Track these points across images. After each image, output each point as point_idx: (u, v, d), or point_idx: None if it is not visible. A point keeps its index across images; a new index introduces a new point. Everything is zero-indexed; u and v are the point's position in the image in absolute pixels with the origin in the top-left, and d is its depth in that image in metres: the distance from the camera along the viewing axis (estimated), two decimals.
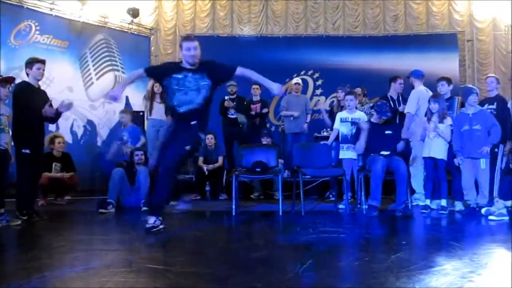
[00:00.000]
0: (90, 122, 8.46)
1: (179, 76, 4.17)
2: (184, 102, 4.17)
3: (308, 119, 7.66)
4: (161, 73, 4.36)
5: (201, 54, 4.20)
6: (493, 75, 6.46)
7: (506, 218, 4.71)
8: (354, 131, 5.74)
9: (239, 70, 4.34)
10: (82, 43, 8.41)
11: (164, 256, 3.16)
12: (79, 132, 8.31)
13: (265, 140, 6.96)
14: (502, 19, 9.82)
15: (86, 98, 8.45)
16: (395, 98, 6.39)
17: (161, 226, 3.97)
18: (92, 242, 3.70)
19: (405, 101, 6.24)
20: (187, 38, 4.31)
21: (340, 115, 6.09)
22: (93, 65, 8.58)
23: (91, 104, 8.52)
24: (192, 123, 4.22)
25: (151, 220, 3.98)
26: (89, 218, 5.24)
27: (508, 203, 4.80)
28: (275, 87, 4.41)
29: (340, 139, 5.99)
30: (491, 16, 10.00)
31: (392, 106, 6.20)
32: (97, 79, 8.63)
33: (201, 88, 4.19)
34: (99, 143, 8.59)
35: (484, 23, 10.14)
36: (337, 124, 6.06)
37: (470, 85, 7.04)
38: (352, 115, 5.96)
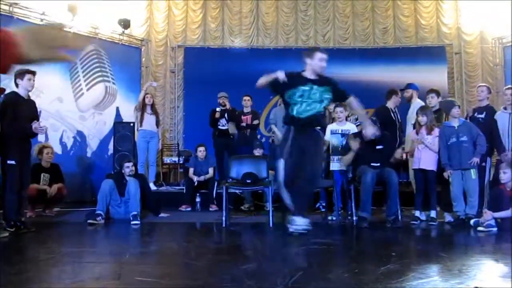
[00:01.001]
0: (79, 133, 8.42)
1: (306, 88, 4.43)
2: (306, 111, 4.45)
3: None
4: (287, 87, 4.50)
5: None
6: (484, 84, 6.52)
7: (495, 229, 4.75)
8: (344, 142, 5.78)
9: (350, 99, 4.72)
10: (72, 54, 8.34)
11: (153, 268, 3.13)
12: (69, 143, 8.26)
13: (257, 152, 6.96)
14: (489, 32, 9.96)
15: (76, 109, 8.40)
16: (394, 110, 6.42)
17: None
18: (81, 254, 3.66)
19: (399, 113, 6.33)
20: (320, 49, 4.64)
21: (330, 127, 6.12)
22: (84, 76, 8.56)
23: (81, 115, 8.48)
24: (317, 129, 4.57)
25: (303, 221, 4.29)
26: (78, 230, 5.18)
27: (496, 214, 4.83)
28: (368, 129, 4.80)
29: (330, 150, 6.01)
30: (479, 29, 10.15)
31: (394, 118, 6.26)
32: (87, 90, 8.60)
33: (324, 100, 4.51)
34: (89, 154, 8.55)
35: (471, 36, 10.28)
36: (327, 136, 6.09)
37: (450, 98, 7.14)
38: (342, 127, 5.99)
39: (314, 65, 4.46)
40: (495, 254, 3.77)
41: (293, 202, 4.48)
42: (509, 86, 6.05)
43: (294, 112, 4.46)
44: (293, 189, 4.41)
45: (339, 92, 4.65)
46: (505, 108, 5.81)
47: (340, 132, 5.96)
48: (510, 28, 8.59)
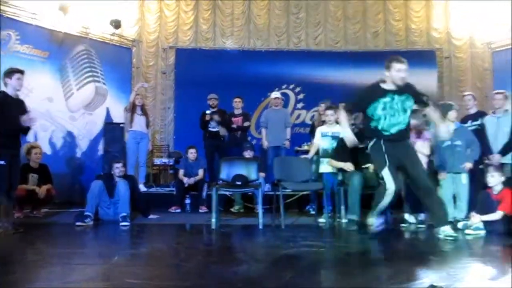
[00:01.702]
0: (69, 133, 8.35)
1: (386, 99, 4.30)
2: (393, 124, 4.31)
3: (288, 133, 7.69)
4: (367, 102, 4.40)
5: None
6: (469, 92, 6.62)
7: (483, 232, 4.79)
8: (334, 145, 5.80)
9: (428, 110, 4.60)
10: (63, 54, 8.34)
11: (143, 270, 3.12)
12: (58, 143, 8.19)
13: (248, 154, 6.96)
14: (478, 38, 10.06)
15: (66, 109, 8.34)
16: None
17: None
18: (69, 256, 3.64)
19: None
20: (399, 60, 4.39)
21: (320, 129, 6.14)
22: (74, 76, 8.51)
23: (71, 115, 8.41)
24: (407, 141, 4.47)
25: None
26: (67, 231, 5.15)
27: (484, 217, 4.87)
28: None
29: (320, 153, 6.03)
30: (468, 34, 10.24)
31: None
32: (78, 90, 8.55)
33: (407, 109, 4.35)
34: (78, 154, 8.48)
35: (461, 40, 10.37)
36: (317, 139, 6.11)
37: (449, 101, 7.20)
38: (333, 129, 6.01)
39: (392, 76, 4.31)
40: (483, 257, 3.81)
41: (432, 216, 4.53)
42: (498, 90, 6.11)
43: (381, 126, 4.34)
44: (429, 203, 4.42)
45: (419, 95, 4.47)
46: (493, 112, 5.87)
47: (330, 134, 5.98)
48: (510, 31, 8.64)
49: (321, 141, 6.02)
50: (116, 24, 9.19)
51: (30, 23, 7.80)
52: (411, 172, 4.37)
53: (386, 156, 4.27)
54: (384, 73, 4.41)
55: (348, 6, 10.73)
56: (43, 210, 6.41)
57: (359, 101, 4.49)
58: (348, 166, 5.40)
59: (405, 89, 4.34)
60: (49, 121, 8.00)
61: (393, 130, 4.33)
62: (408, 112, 4.35)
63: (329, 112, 6.08)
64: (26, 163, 6.25)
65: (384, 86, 4.38)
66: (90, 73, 8.74)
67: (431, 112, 4.62)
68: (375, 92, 4.39)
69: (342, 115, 4.64)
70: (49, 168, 6.56)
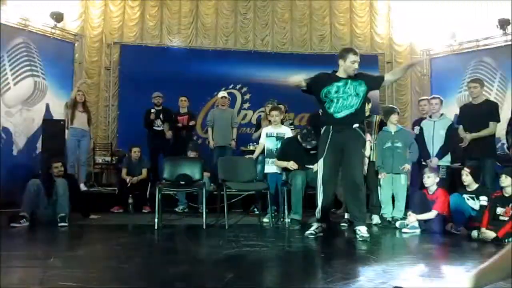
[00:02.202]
0: (5, 130, 7.94)
1: (340, 83, 4.48)
2: (344, 107, 4.46)
3: (235, 133, 7.72)
4: (322, 83, 4.52)
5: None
6: (425, 97, 6.96)
7: (418, 230, 5.02)
8: (279, 145, 5.88)
9: (387, 77, 4.86)
10: None
11: (80, 272, 3.02)
12: None
13: (192, 154, 6.92)
14: (418, 44, 10.49)
15: (1, 103, 7.94)
16: None
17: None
18: (3, 258, 3.46)
19: None
20: (355, 51, 4.54)
21: (265, 130, 6.19)
22: (11, 70, 8.11)
23: (7, 110, 8.01)
24: (354, 126, 4.50)
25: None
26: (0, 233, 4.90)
27: (420, 216, 5.09)
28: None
29: (265, 153, 6.09)
30: (409, 40, 10.66)
31: None
32: (15, 84, 8.15)
33: (360, 93, 4.49)
34: (14, 152, 8.09)
35: (402, 46, 10.77)
36: (262, 139, 6.16)
37: (391, 105, 7.49)
38: (278, 130, 6.08)
39: (347, 67, 4.48)
40: (417, 254, 3.98)
41: (352, 211, 4.67)
42: (434, 95, 6.40)
43: (332, 110, 4.49)
44: (350, 198, 4.61)
45: (374, 79, 4.75)
46: (430, 116, 6.14)
47: (275, 135, 6.05)
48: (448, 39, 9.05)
49: (266, 141, 6.08)
50: (58, 17, 8.85)
51: None
52: (346, 161, 4.51)
53: (327, 146, 4.47)
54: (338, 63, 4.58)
55: (295, 9, 10.87)
56: None
57: (315, 81, 4.58)
58: (291, 165, 5.50)
59: (358, 76, 4.55)
60: None
61: (343, 114, 4.48)
62: (361, 96, 4.50)
63: (275, 112, 6.14)
64: None
65: (338, 74, 4.58)
66: (29, 67, 8.36)
67: (391, 75, 4.98)
68: (330, 76, 4.59)
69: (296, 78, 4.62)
70: None
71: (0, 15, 7.27)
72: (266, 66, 10.15)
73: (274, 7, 10.82)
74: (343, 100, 4.46)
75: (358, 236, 4.40)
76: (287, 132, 6.10)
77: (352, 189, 4.54)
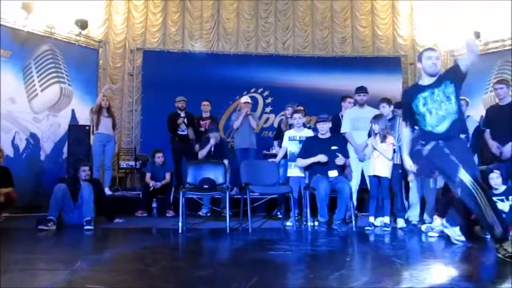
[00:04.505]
0: (33, 135, 8.14)
1: (425, 94, 3.97)
2: (442, 117, 3.91)
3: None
4: (408, 101, 4.09)
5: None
6: (463, 97, 6.82)
7: (445, 234, 4.92)
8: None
9: (460, 62, 3.96)
10: (26, 53, 8.13)
11: (107, 275, 3.06)
12: (21, 145, 7.97)
13: (212, 137, 6.89)
14: (442, 45, 10.33)
15: (29, 110, 8.13)
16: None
17: None
18: (30, 261, 3.54)
19: None
20: (430, 48, 4.19)
21: (288, 133, 6.17)
22: (38, 77, 8.30)
23: (35, 116, 8.20)
24: (462, 136, 4.02)
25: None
26: (28, 236, 5.00)
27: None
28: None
29: (288, 157, 6.07)
30: (432, 42, 10.51)
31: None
32: (42, 91, 8.34)
33: (450, 95, 3.92)
34: (42, 157, 8.27)
35: (425, 47, 10.60)
36: (285, 142, 6.14)
37: None
38: (300, 133, 6.06)
39: (425, 66, 4.01)
40: (444, 259, 3.91)
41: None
42: (460, 97, 6.29)
43: (429, 127, 3.95)
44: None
45: (453, 72, 4.01)
46: None
47: (298, 138, 6.03)
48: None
49: (289, 145, 6.06)
50: (82, 24, 9.02)
51: None
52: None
53: (451, 157, 3.82)
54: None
55: (316, 12, 10.86)
56: (4, 214, 6.22)
57: (403, 105, 4.31)
58: (322, 158, 5.48)
59: (441, 78, 4.02)
60: (12, 123, 7.78)
61: (443, 127, 3.93)
62: (453, 98, 3.94)
63: (297, 115, 6.11)
64: None
65: (420, 83, 4.14)
66: (55, 74, 8.55)
67: (464, 58, 4.00)
68: (412, 89, 4.21)
69: (404, 133, 4.33)
70: (11, 171, 6.36)
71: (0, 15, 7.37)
72: (288, 69, 10.16)
73: (295, 10, 10.83)
74: (436, 111, 3.93)
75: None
76: (309, 135, 6.07)
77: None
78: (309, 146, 5.72)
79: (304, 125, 6.32)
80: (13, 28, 7.91)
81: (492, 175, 4.91)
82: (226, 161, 6.55)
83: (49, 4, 8.40)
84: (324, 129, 5.78)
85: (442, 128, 3.91)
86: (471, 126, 5.71)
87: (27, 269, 3.20)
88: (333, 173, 5.52)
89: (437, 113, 3.92)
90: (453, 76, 3.98)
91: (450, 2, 9.77)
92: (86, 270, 3.20)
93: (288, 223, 5.71)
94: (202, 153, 6.93)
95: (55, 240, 4.90)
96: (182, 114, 7.69)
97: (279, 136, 6.94)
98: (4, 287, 2.65)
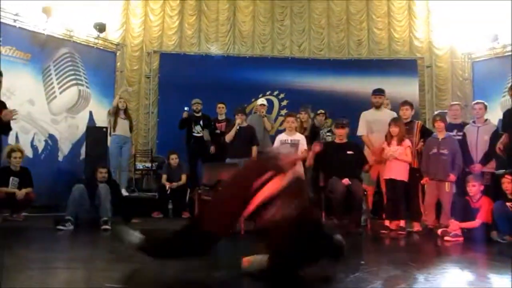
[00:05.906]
0: (51, 137, 8.26)
1: None
2: None
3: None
4: None
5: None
6: (457, 102, 6.80)
7: (461, 238, 4.88)
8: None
9: None
10: (45, 56, 8.26)
11: (124, 274, 3.10)
12: (40, 146, 8.10)
13: (238, 118, 6.78)
14: (459, 48, 10.24)
15: (48, 111, 8.26)
16: None
17: None
18: (49, 260, 3.59)
19: None
20: None
21: (279, 137, 6.15)
22: (57, 79, 8.43)
23: (53, 118, 8.33)
24: None
25: None
26: (46, 236, 5.09)
27: (463, 224, 4.96)
28: None
29: None
30: (449, 44, 10.42)
31: None
32: (60, 93, 8.47)
33: None
34: (60, 158, 8.39)
35: (442, 50, 10.54)
36: (276, 146, 6.12)
37: (440, 110, 7.36)
38: (292, 137, 6.03)
39: None
40: (460, 263, 3.88)
41: None
42: (478, 100, 6.24)
43: None
44: None
45: None
46: (474, 122, 5.99)
47: (289, 142, 5.99)
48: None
49: (280, 148, 6.02)
50: (101, 28, 9.14)
51: (13, 24, 7.72)
52: None
53: None
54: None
55: (332, 15, 10.83)
56: (23, 213, 6.33)
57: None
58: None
59: None
60: (31, 124, 7.91)
61: None
62: None
63: (290, 119, 6.08)
64: (7, 166, 6.18)
65: None
66: (74, 76, 8.67)
67: None
68: None
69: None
70: (30, 171, 6.48)
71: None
72: (303, 72, 10.15)
73: (310, 13, 10.81)
74: None
75: None
76: (301, 139, 6.03)
77: None
78: (326, 154, 5.70)
79: (320, 128, 6.31)
80: (33, 31, 8.04)
81: (503, 180, 4.88)
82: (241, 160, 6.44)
83: (68, 7, 8.53)
84: (342, 134, 5.78)
85: None
86: (490, 130, 5.66)
87: (45, 268, 3.25)
88: (345, 181, 5.48)
89: None
90: None
91: (467, 4, 9.68)
92: (104, 269, 3.25)
93: None
94: (230, 135, 6.75)
95: (73, 240, 4.98)
96: (186, 108, 7.72)
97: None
98: (23, 286, 2.70)
